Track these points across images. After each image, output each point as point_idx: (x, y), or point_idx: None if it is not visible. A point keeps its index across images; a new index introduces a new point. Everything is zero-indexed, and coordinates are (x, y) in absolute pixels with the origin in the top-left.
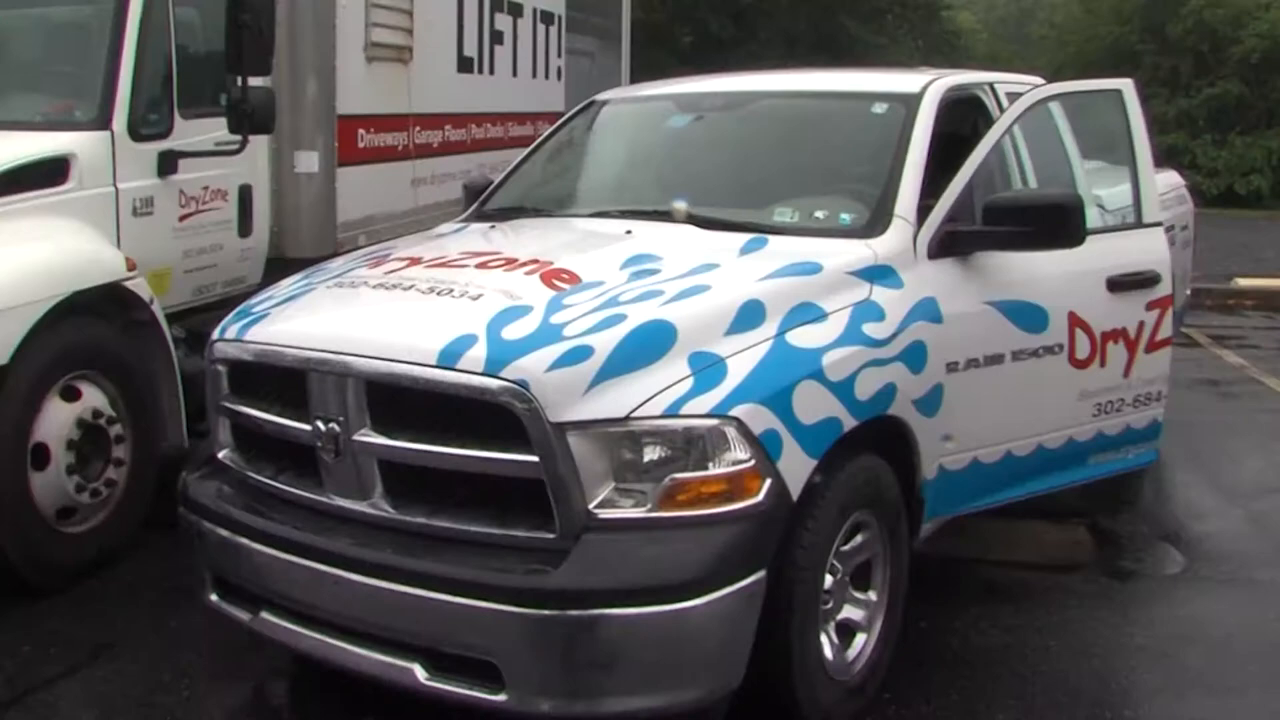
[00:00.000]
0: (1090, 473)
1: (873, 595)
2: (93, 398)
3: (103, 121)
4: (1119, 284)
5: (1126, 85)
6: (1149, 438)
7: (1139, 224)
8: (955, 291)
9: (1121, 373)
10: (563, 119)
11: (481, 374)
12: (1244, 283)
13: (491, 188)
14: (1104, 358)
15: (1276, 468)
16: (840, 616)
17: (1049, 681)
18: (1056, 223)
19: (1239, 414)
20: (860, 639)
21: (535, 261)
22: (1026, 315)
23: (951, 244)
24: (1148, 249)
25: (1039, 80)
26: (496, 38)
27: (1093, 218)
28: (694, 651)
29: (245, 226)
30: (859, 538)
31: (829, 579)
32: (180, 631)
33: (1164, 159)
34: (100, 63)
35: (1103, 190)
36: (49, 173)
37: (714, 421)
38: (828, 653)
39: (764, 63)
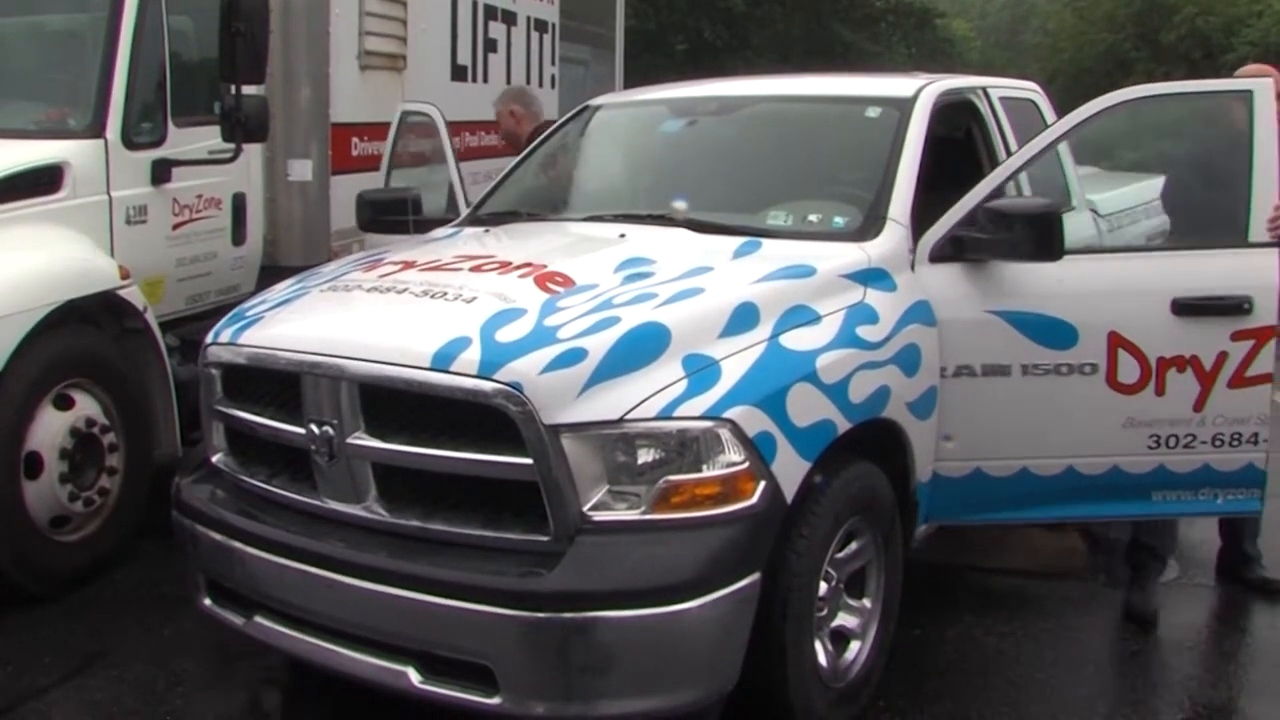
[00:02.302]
0: (1159, 509)
1: (867, 602)
2: (86, 406)
3: (96, 130)
4: (1190, 307)
5: (1262, 86)
6: (1243, 484)
7: (1242, 242)
8: (955, 297)
9: (1191, 406)
10: (557, 124)
11: (475, 376)
12: None
13: (485, 192)
14: (1161, 386)
15: (1275, 473)
16: (835, 623)
17: (1042, 689)
18: (1033, 233)
19: None
20: (854, 646)
21: (529, 265)
22: (1044, 329)
23: (955, 249)
24: (1242, 271)
25: (1033, 85)
26: (490, 46)
27: (1086, 224)
28: (688, 654)
29: (239, 235)
30: (853, 545)
31: (823, 586)
32: (174, 639)
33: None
34: (94, 71)
35: (1097, 196)
36: (42, 181)
37: (708, 424)
38: (822, 659)
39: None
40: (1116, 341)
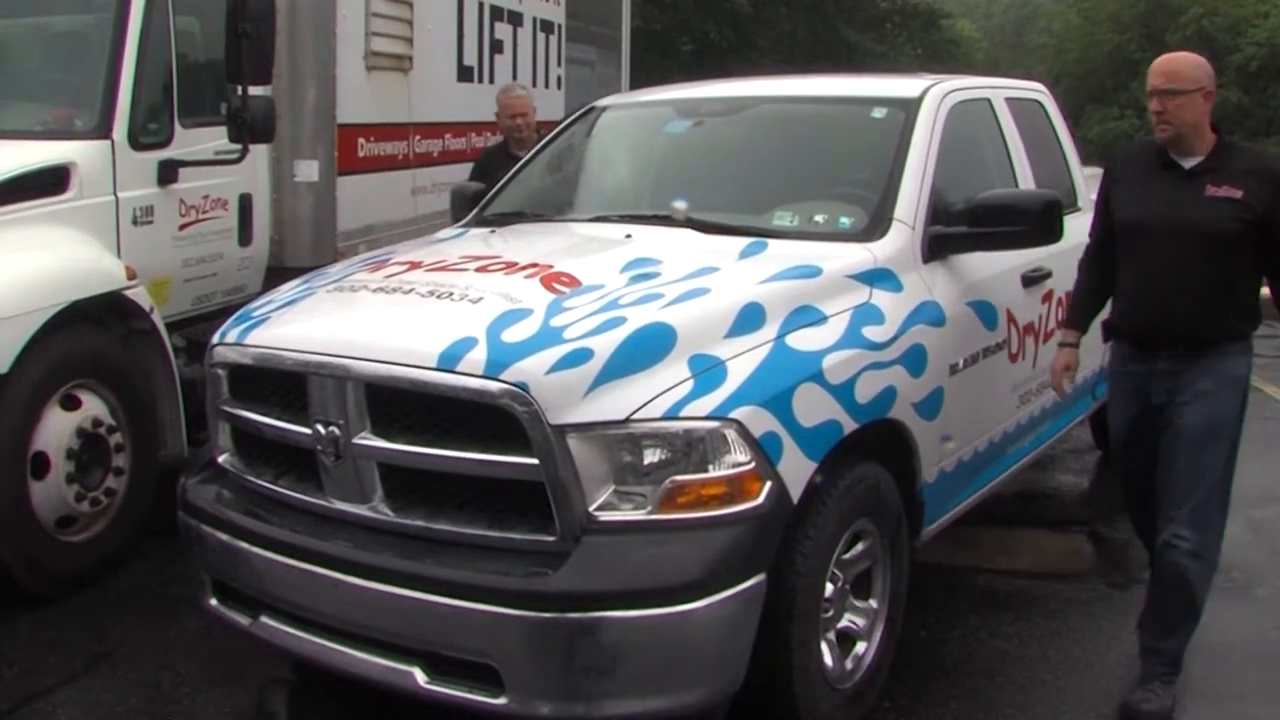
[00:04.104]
0: (1031, 447)
1: (873, 603)
2: (93, 406)
3: (103, 130)
4: (1028, 280)
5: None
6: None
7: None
8: (948, 294)
9: (1031, 364)
10: (563, 124)
11: (481, 376)
12: None
13: (492, 193)
14: (1024, 351)
15: (1276, 476)
16: (840, 624)
17: (1048, 690)
18: (1046, 221)
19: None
20: (860, 647)
21: (535, 265)
22: (986, 314)
23: (939, 247)
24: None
25: (1039, 86)
26: (496, 46)
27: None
28: (694, 654)
29: (245, 235)
30: (859, 546)
31: (829, 587)
32: (179, 639)
33: None
34: (101, 72)
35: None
36: (49, 181)
37: (714, 424)
38: (828, 660)
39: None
40: (1009, 318)
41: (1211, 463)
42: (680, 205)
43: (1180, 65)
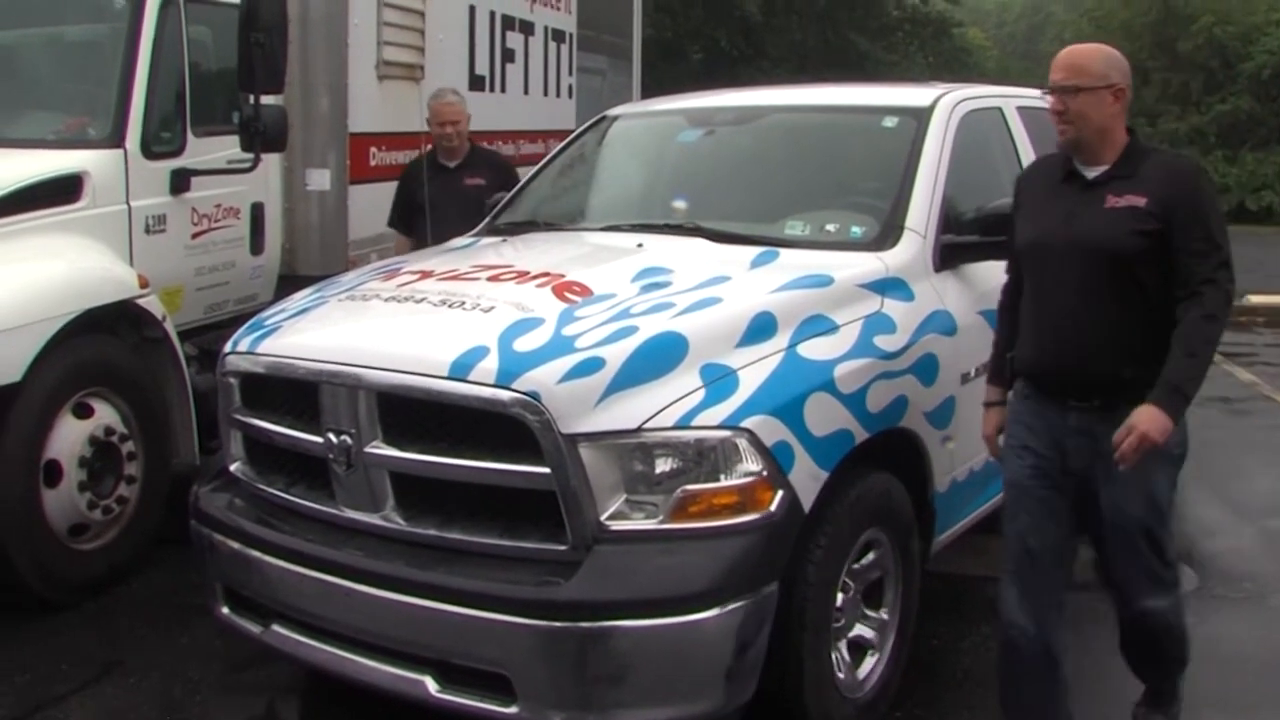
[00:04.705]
0: None
1: (884, 613)
2: (105, 415)
3: (116, 139)
4: None
5: None
6: None
7: None
8: (959, 303)
9: None
10: (574, 134)
11: (493, 385)
12: (1255, 299)
13: (504, 202)
14: None
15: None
16: (852, 634)
17: None
18: None
19: (1251, 431)
20: (872, 657)
21: (547, 274)
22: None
23: (950, 256)
24: None
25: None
26: (508, 56)
27: None
28: (705, 664)
29: (257, 244)
30: (871, 555)
31: (841, 596)
32: (191, 647)
33: None
34: (114, 81)
35: None
36: (62, 190)
37: (726, 433)
38: (839, 670)
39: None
40: None
41: (1152, 547)
42: (680, 205)
43: (1083, 57)
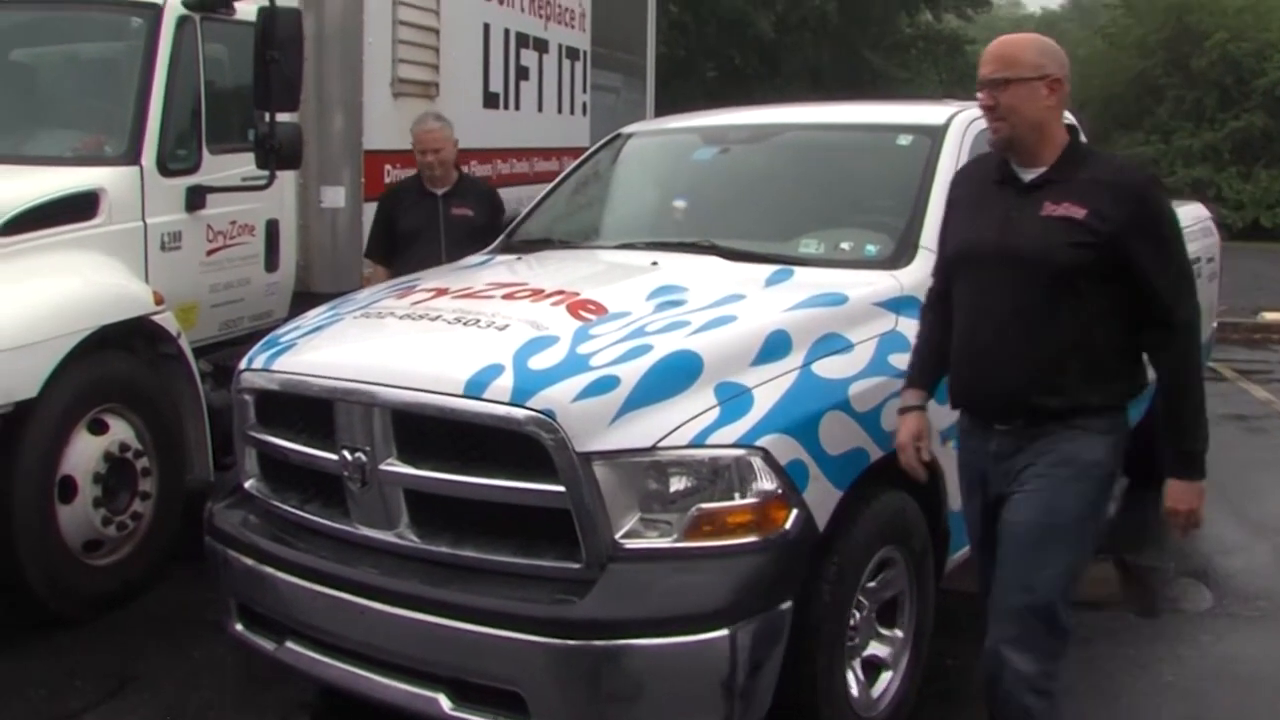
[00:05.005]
0: None
1: (899, 632)
2: (120, 431)
3: (132, 157)
4: None
5: None
6: None
7: None
8: None
9: None
10: (589, 151)
11: (508, 404)
12: (1270, 316)
13: (518, 220)
14: None
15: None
16: (866, 652)
17: None
18: None
19: (1266, 449)
20: (886, 676)
21: (562, 292)
22: None
23: None
24: None
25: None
26: (522, 73)
27: None
28: (719, 683)
29: (272, 261)
30: (885, 574)
31: (855, 615)
32: (204, 663)
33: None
34: (130, 99)
35: None
36: (79, 207)
37: (740, 452)
38: (854, 689)
39: (788, 97)
40: None
41: (1043, 576)
42: (680, 204)
43: (1014, 47)
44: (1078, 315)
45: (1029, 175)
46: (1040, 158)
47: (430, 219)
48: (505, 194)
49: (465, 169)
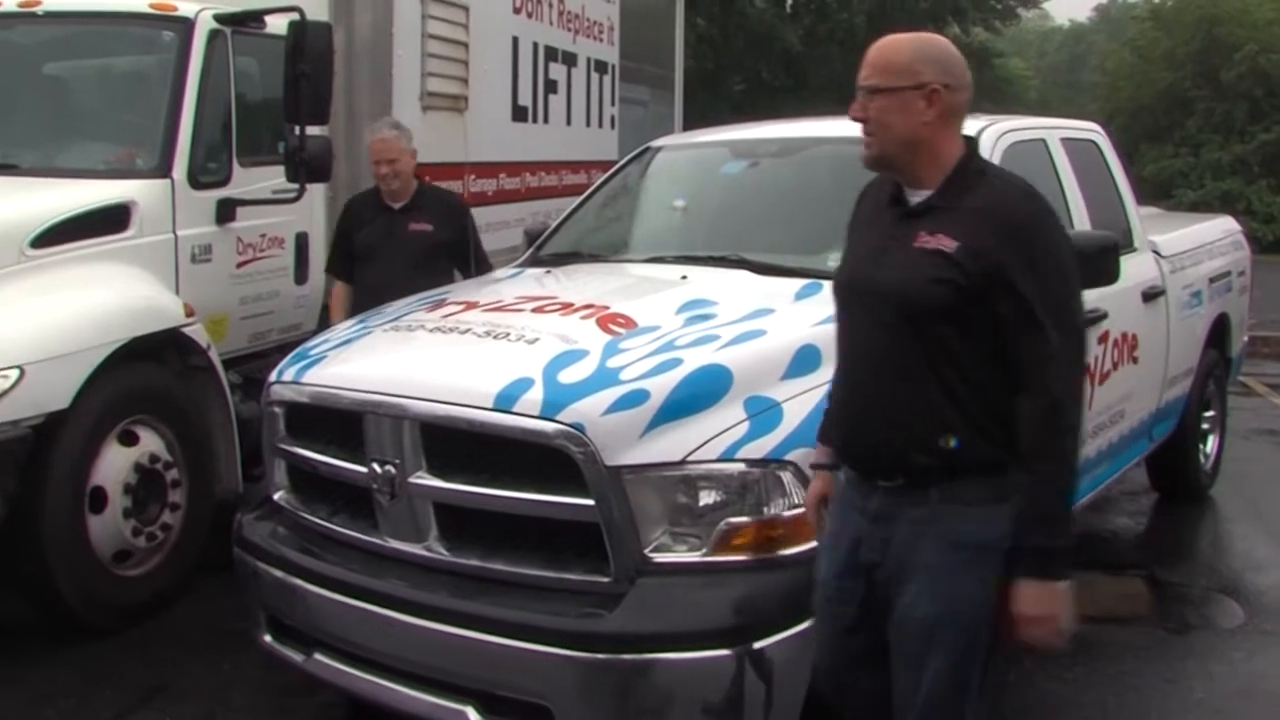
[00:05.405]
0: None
1: None
2: (150, 442)
3: (163, 170)
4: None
5: None
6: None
7: None
8: None
9: (1088, 405)
10: (618, 165)
11: (538, 417)
12: None
13: (547, 233)
14: None
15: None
16: None
17: None
18: (1103, 263)
19: None
20: None
21: (591, 306)
22: None
23: None
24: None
25: (1094, 126)
26: (551, 87)
27: (1148, 265)
28: (748, 697)
29: (301, 274)
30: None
31: None
32: (233, 674)
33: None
34: (161, 112)
35: (1159, 237)
36: (110, 220)
37: (770, 466)
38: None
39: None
40: None
41: (941, 684)
42: (679, 204)
43: (889, 49)
44: (953, 362)
45: (915, 198)
46: (922, 180)
47: (386, 235)
48: (534, 207)
49: (471, 180)
